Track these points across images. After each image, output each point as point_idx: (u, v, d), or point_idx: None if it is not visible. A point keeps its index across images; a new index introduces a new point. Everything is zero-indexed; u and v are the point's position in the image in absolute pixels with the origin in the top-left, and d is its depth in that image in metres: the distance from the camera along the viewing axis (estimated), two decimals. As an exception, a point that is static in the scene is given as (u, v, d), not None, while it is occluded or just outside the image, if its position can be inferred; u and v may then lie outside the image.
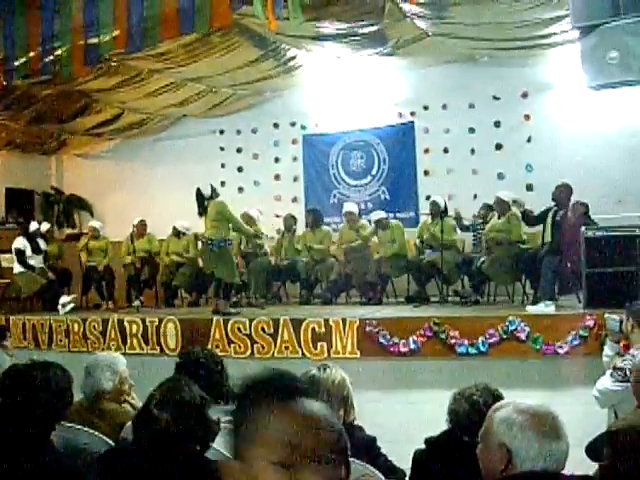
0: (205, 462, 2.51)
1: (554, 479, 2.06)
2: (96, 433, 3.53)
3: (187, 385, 2.55)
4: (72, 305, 9.96)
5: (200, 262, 10.43)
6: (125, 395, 4.02)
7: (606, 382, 4.35)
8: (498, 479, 2.13)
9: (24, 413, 2.61)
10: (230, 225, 8.75)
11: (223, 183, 11.50)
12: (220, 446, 2.58)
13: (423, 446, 3.07)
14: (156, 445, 2.41)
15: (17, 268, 10.35)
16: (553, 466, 2.08)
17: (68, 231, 13.49)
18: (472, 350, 6.69)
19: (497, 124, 10.62)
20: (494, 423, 2.19)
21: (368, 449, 3.11)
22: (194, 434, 2.47)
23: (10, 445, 2.65)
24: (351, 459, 2.26)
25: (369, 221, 10.08)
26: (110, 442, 3.42)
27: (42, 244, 10.61)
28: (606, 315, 5.30)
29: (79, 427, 3.47)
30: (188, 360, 3.79)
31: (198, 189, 8.76)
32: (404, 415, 5.93)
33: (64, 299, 10.02)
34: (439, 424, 3.15)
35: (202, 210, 8.69)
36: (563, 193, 7.85)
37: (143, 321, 8.25)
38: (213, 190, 8.76)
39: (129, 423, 3.17)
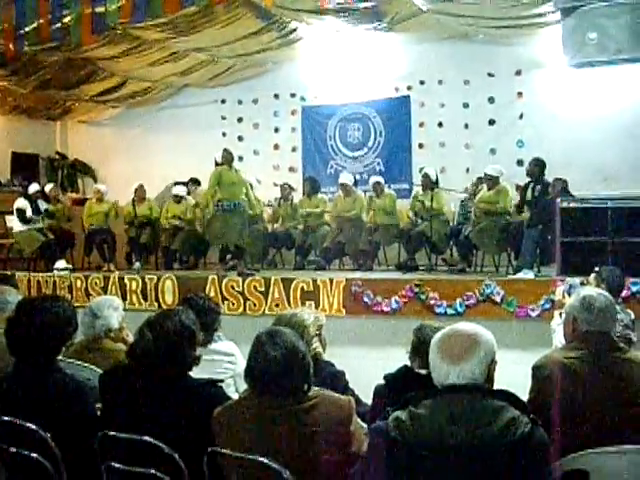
0: (185, 384, 2.79)
1: (469, 391, 2.20)
2: (97, 369, 3.73)
3: (179, 316, 2.80)
4: (66, 272, 10.13)
5: (198, 227, 10.75)
6: (125, 335, 4.22)
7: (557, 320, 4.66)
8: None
9: (38, 335, 2.96)
10: (244, 189, 9.13)
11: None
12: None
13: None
14: (142, 363, 2.73)
15: (17, 227, 10.61)
16: (462, 382, 2.23)
17: (73, 195, 13.68)
18: (450, 311, 7.02)
19: (491, 100, 10.84)
20: None
21: (335, 380, 3.39)
22: (171, 358, 2.73)
23: (24, 364, 3.03)
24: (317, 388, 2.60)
25: (364, 192, 10.42)
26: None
27: (42, 205, 10.77)
28: (567, 279, 5.63)
29: (79, 363, 3.70)
30: (192, 299, 4.04)
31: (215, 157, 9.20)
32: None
33: (59, 264, 10.27)
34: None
35: None
36: (536, 168, 8.09)
37: (142, 279, 8.55)
38: (224, 157, 9.13)
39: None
